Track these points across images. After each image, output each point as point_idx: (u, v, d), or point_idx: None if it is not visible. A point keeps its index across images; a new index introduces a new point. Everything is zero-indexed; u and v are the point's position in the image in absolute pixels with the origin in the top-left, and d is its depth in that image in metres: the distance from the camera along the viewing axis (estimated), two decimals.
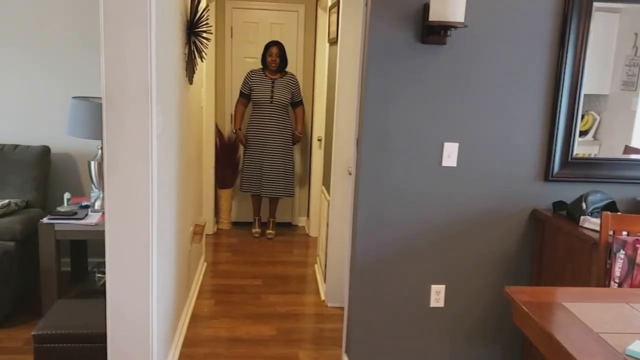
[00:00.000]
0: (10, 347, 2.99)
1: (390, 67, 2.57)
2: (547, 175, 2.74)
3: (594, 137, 2.78)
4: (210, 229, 5.17)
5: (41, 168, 3.73)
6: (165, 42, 2.48)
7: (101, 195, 3.39)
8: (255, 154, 5.00)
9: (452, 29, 2.45)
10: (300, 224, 5.70)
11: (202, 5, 3.49)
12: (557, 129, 2.69)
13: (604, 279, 2.26)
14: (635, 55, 2.70)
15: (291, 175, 5.14)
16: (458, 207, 2.73)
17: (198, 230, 3.68)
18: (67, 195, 3.50)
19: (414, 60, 2.57)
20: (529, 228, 2.79)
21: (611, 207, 2.59)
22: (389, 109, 2.61)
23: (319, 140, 4.94)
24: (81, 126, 3.28)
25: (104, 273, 2.54)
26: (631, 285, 2.18)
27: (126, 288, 2.28)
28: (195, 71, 3.45)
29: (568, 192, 2.74)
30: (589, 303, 1.73)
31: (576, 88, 2.66)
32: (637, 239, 2.20)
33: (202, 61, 3.63)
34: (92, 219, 3.26)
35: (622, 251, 2.21)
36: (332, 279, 3.75)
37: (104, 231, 2.25)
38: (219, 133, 5.33)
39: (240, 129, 5.10)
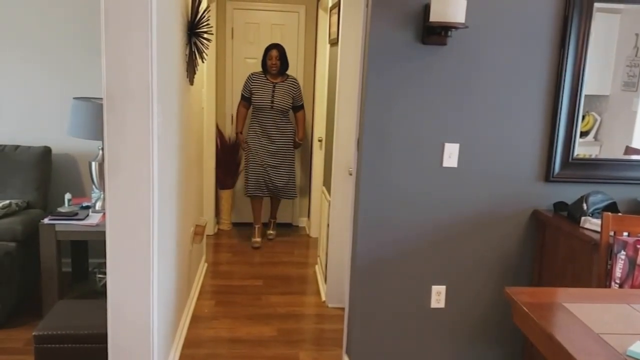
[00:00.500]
0: (11, 348, 2.99)
1: (391, 68, 2.57)
2: (547, 176, 2.74)
3: (595, 137, 2.78)
4: (210, 229, 5.17)
5: (42, 169, 3.73)
6: (166, 43, 2.48)
7: (102, 195, 3.40)
8: (257, 158, 4.91)
9: (453, 29, 2.45)
10: (300, 225, 5.70)
11: (203, 5, 3.50)
12: (558, 129, 2.69)
13: (604, 280, 2.26)
14: (636, 56, 2.70)
15: (293, 178, 5.07)
16: (459, 208, 2.73)
17: (199, 231, 3.68)
18: (68, 196, 3.50)
19: (414, 61, 2.58)
20: (529, 229, 2.79)
21: (612, 207, 2.59)
22: (389, 109, 2.61)
23: (320, 140, 4.94)
24: (82, 127, 3.29)
25: (104, 273, 2.54)
26: (632, 286, 2.18)
27: (127, 288, 2.29)
28: (196, 72, 3.46)
29: (569, 193, 2.74)
30: (590, 304, 1.73)
31: (577, 89, 2.66)
32: (638, 240, 2.20)
33: (202, 62, 3.63)
34: (93, 219, 3.26)
35: (622, 252, 2.21)
36: (332, 279, 3.75)
37: (104, 232, 2.25)
38: (219, 134, 5.33)
39: (241, 132, 5.04)
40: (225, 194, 5.39)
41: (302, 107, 5.04)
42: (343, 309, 3.07)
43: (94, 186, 3.46)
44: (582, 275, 2.42)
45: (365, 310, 2.77)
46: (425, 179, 2.68)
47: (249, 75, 4.91)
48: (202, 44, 3.33)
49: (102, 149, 2.28)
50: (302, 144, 5.19)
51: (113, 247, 2.25)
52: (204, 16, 3.26)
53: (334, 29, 3.97)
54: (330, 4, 4.30)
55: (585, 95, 2.69)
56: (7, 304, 3.21)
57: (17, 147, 3.74)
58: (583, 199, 2.56)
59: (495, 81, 2.64)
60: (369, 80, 2.57)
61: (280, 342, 3.24)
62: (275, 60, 4.76)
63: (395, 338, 2.81)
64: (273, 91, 4.81)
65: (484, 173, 2.71)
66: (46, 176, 3.77)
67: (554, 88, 2.67)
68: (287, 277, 4.32)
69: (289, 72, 4.97)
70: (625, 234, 2.27)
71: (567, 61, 2.63)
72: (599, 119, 2.77)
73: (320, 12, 5.03)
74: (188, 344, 3.15)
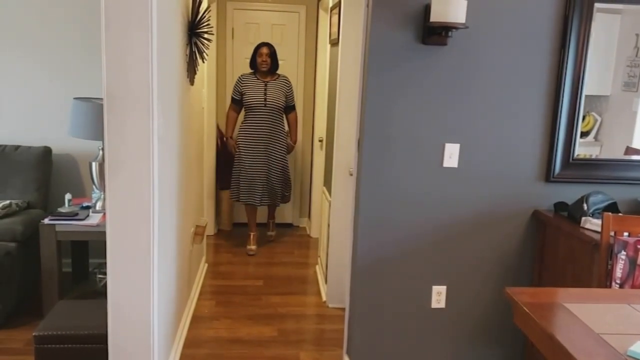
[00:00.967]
0: (11, 348, 2.99)
1: (391, 68, 2.57)
2: (548, 176, 2.74)
3: (595, 138, 2.78)
4: (211, 229, 5.17)
5: (42, 169, 3.73)
6: (166, 43, 2.49)
7: (102, 196, 3.40)
8: (247, 161, 4.68)
9: (453, 29, 2.45)
10: (301, 225, 5.70)
11: (204, 6, 3.50)
12: (558, 129, 2.69)
13: (605, 280, 2.26)
14: (636, 56, 2.70)
15: (288, 181, 4.91)
16: (459, 208, 2.73)
17: (199, 231, 3.68)
18: (68, 196, 3.50)
19: (415, 61, 2.57)
20: (530, 229, 2.79)
21: (612, 208, 2.59)
22: (390, 109, 2.61)
23: (320, 141, 4.93)
24: (82, 127, 3.29)
25: (105, 274, 2.54)
26: (632, 286, 2.18)
27: (127, 289, 2.29)
28: (197, 72, 3.46)
29: (569, 193, 2.74)
30: (590, 304, 1.73)
31: (577, 89, 2.66)
32: (639, 240, 2.20)
33: (203, 62, 3.63)
34: (94, 219, 3.26)
35: (623, 252, 2.20)
36: (333, 279, 3.75)
37: (105, 232, 2.25)
38: (220, 134, 5.33)
39: (231, 137, 4.83)
40: (226, 194, 5.39)
41: (294, 108, 4.84)
42: (343, 309, 3.07)
43: (94, 186, 3.46)
44: (582, 276, 2.42)
45: (365, 310, 2.77)
46: (425, 179, 2.68)
47: (239, 77, 4.74)
48: (203, 44, 3.33)
49: (103, 149, 2.28)
50: (294, 149, 4.98)
51: (113, 247, 2.25)
52: (205, 16, 3.26)
53: (335, 29, 3.97)
54: (330, 4, 4.30)
55: (586, 95, 2.68)
56: (8, 304, 3.21)
57: (17, 147, 3.74)
58: (583, 199, 2.56)
59: (495, 81, 2.64)
60: (369, 80, 2.57)
61: (280, 343, 3.24)
62: (265, 57, 4.59)
63: (396, 338, 2.81)
64: (265, 89, 4.62)
65: (484, 173, 2.71)
66: (46, 176, 3.77)
67: (555, 88, 2.67)
68: (288, 277, 4.32)
69: (288, 72, 4.97)
70: (626, 234, 2.27)
71: (567, 61, 2.63)
72: (599, 119, 2.76)
73: (321, 12, 5.03)
74: (188, 344, 3.15)
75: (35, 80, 3.87)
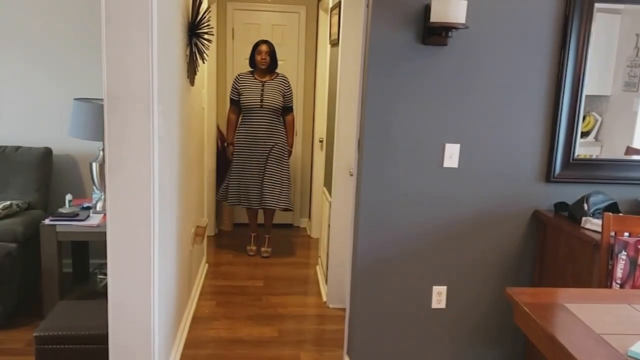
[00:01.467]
0: (12, 349, 2.99)
1: (392, 68, 2.57)
2: (548, 176, 2.74)
3: (596, 138, 2.78)
4: (211, 230, 5.17)
5: (43, 169, 3.73)
6: (166, 44, 2.49)
7: (103, 196, 3.40)
8: (244, 163, 4.55)
9: (454, 30, 2.45)
10: (301, 225, 5.70)
11: (204, 6, 3.50)
12: (559, 130, 2.69)
13: (605, 280, 2.26)
14: (636, 56, 2.70)
15: (287, 184, 4.64)
16: (459, 208, 2.73)
17: (199, 232, 3.68)
18: (68, 197, 3.51)
19: (415, 62, 2.58)
20: (530, 229, 2.79)
21: (613, 208, 2.59)
22: (390, 110, 2.61)
23: (321, 141, 4.93)
24: (83, 128, 3.29)
25: (105, 274, 2.55)
26: (633, 287, 2.18)
27: (128, 289, 2.29)
28: (197, 72, 3.46)
29: (570, 193, 2.73)
30: (591, 304, 1.72)
31: (577, 89, 2.66)
32: (639, 240, 2.19)
33: (203, 62, 3.63)
34: (94, 220, 3.26)
35: (623, 252, 2.20)
36: (333, 280, 3.75)
37: (105, 232, 2.25)
38: (220, 134, 5.33)
39: (232, 143, 4.62)
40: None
41: (291, 109, 4.68)
42: (344, 309, 3.07)
43: (94, 187, 3.47)
44: (582, 276, 2.42)
45: (366, 310, 2.77)
46: (426, 179, 2.68)
47: (236, 77, 4.62)
48: (203, 45, 3.34)
49: (103, 149, 2.28)
50: (291, 152, 4.75)
51: (114, 247, 2.25)
52: (205, 17, 3.26)
53: (335, 29, 3.97)
54: (330, 5, 4.30)
55: (586, 95, 2.68)
56: (8, 304, 3.21)
57: (18, 148, 3.74)
58: (584, 199, 2.56)
59: (496, 81, 2.64)
60: (369, 80, 2.57)
61: (281, 343, 3.24)
62: (265, 55, 4.46)
63: (396, 338, 2.81)
64: (262, 90, 4.49)
65: (484, 173, 2.71)
66: (47, 177, 3.77)
67: (555, 88, 2.67)
68: (288, 277, 4.32)
69: (288, 72, 4.94)
70: (626, 234, 2.27)
71: (567, 61, 2.63)
72: (599, 119, 2.76)
73: (321, 12, 5.03)
74: (189, 344, 3.15)
75: (36, 80, 3.88)
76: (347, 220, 3.33)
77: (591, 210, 2.52)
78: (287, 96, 4.59)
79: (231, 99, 4.63)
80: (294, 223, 5.69)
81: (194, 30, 3.16)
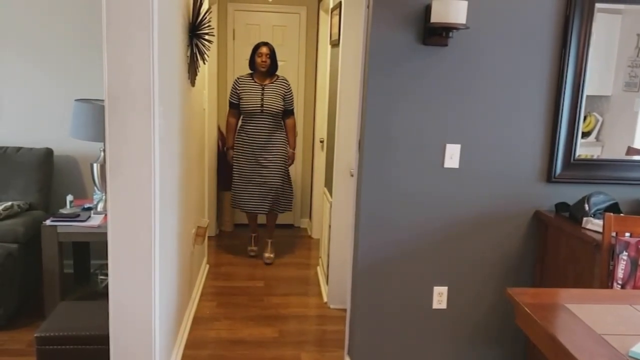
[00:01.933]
0: (13, 349, 2.99)
1: (392, 69, 2.57)
2: (549, 177, 2.74)
3: (597, 138, 2.78)
4: (212, 231, 5.17)
5: (44, 170, 3.74)
6: (167, 45, 2.49)
7: (104, 197, 3.40)
8: (243, 170, 4.48)
9: (454, 30, 2.45)
10: (302, 226, 5.70)
11: (204, 7, 3.50)
12: (560, 130, 2.69)
13: (606, 281, 2.26)
14: (637, 56, 2.70)
15: (289, 189, 4.60)
16: (460, 209, 2.72)
17: (200, 232, 3.68)
18: (69, 198, 3.51)
19: (415, 62, 2.58)
20: (531, 229, 2.78)
21: (614, 208, 2.59)
22: (390, 110, 2.61)
23: (321, 142, 4.93)
24: (84, 128, 3.29)
25: (106, 275, 2.54)
26: (634, 287, 2.17)
27: (129, 290, 2.29)
28: (198, 73, 3.46)
29: (570, 194, 2.73)
30: (592, 304, 1.72)
31: (578, 89, 2.66)
32: None
33: (204, 63, 3.63)
34: (95, 221, 3.26)
35: (624, 252, 2.20)
36: (334, 280, 3.75)
37: (106, 233, 2.25)
38: (221, 135, 5.33)
39: (232, 147, 4.54)
40: (227, 195, 5.38)
41: (292, 113, 4.54)
42: (345, 310, 3.07)
43: (95, 187, 3.47)
44: (583, 276, 2.42)
45: (367, 311, 2.77)
46: (426, 179, 2.68)
47: (235, 80, 4.51)
48: (204, 46, 3.34)
49: (104, 150, 2.29)
50: (294, 159, 4.64)
51: (115, 248, 2.25)
52: (205, 18, 3.26)
53: (335, 30, 3.97)
54: (331, 5, 4.31)
55: (587, 95, 2.68)
56: (9, 305, 3.21)
57: (19, 148, 3.75)
58: (585, 199, 2.56)
59: (496, 82, 2.64)
60: (370, 81, 2.58)
61: (281, 344, 3.24)
62: (265, 57, 4.35)
63: (397, 339, 2.81)
64: (262, 93, 4.37)
65: (485, 174, 2.71)
66: (48, 178, 3.78)
67: (556, 89, 2.67)
68: (289, 278, 4.32)
69: (289, 73, 4.92)
70: (628, 234, 2.26)
71: (568, 62, 2.63)
72: (600, 119, 2.76)
73: (321, 13, 5.03)
74: (190, 345, 3.15)
75: (37, 81, 3.88)
76: (347, 221, 3.33)
77: (592, 211, 2.52)
78: (287, 99, 4.47)
79: (230, 103, 4.53)
80: (295, 223, 5.69)
81: (194, 31, 3.17)
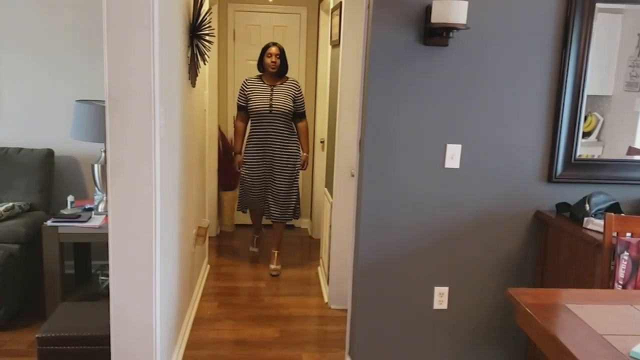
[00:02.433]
0: (14, 350, 2.99)
1: (393, 69, 2.57)
2: (550, 177, 2.73)
3: (598, 138, 2.78)
4: (213, 231, 5.17)
5: (45, 171, 3.74)
6: (167, 46, 2.49)
7: (105, 197, 3.40)
8: (250, 173, 4.32)
9: (455, 30, 2.45)
10: (303, 226, 5.70)
11: (205, 8, 3.50)
12: (560, 130, 2.68)
13: (607, 281, 2.26)
14: (638, 56, 2.70)
15: (295, 197, 4.42)
16: (461, 209, 2.72)
17: (201, 233, 3.68)
18: (70, 198, 3.51)
19: (416, 62, 2.57)
20: (532, 229, 2.78)
21: (615, 208, 2.58)
22: (391, 110, 2.61)
23: (322, 142, 4.94)
24: (84, 129, 3.29)
25: (107, 275, 2.55)
26: (635, 287, 2.17)
27: (129, 290, 2.29)
28: (198, 74, 3.46)
29: (571, 194, 2.73)
30: (593, 305, 1.72)
31: (579, 89, 2.66)
32: None
33: (204, 64, 3.63)
34: (96, 221, 3.26)
35: (626, 252, 2.20)
36: (335, 280, 3.75)
37: (107, 234, 2.25)
38: (221, 136, 5.33)
39: (240, 152, 4.35)
40: (228, 196, 5.39)
41: (304, 115, 4.34)
42: (345, 310, 3.07)
43: (96, 188, 3.47)
44: (584, 276, 2.42)
45: (367, 311, 2.77)
46: (427, 179, 2.68)
47: (243, 82, 4.33)
48: (204, 46, 3.34)
49: (105, 151, 2.29)
50: (307, 163, 4.45)
51: (115, 249, 2.25)
52: (206, 18, 3.26)
53: (336, 30, 3.97)
54: (331, 6, 4.31)
55: (588, 95, 2.68)
56: (10, 306, 3.21)
57: (20, 149, 3.75)
58: (586, 199, 2.56)
59: (497, 82, 2.64)
60: (370, 81, 2.58)
61: (282, 344, 3.24)
62: (275, 58, 4.18)
63: (398, 339, 2.81)
64: (271, 94, 4.20)
65: (486, 174, 2.71)
66: (49, 178, 3.78)
67: (556, 89, 2.67)
68: (290, 278, 4.32)
69: (289, 74, 4.86)
70: (629, 234, 2.26)
71: (569, 62, 2.63)
72: (601, 119, 2.76)
73: (322, 13, 5.04)
74: (190, 345, 3.15)
75: (37, 82, 3.88)
76: (348, 221, 3.33)
77: (593, 211, 2.52)
78: (298, 101, 4.27)
79: (238, 105, 4.33)
80: (295, 224, 5.69)
81: (195, 31, 3.17)
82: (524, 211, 2.76)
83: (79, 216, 3.30)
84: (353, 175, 2.90)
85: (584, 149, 2.75)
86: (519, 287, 1.94)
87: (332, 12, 4.29)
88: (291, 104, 4.23)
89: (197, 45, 3.24)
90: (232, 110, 5.39)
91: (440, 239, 2.74)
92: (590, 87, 2.67)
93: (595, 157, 2.79)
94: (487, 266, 2.79)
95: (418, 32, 2.54)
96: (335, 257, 3.74)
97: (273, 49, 4.22)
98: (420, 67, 2.58)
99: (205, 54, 3.42)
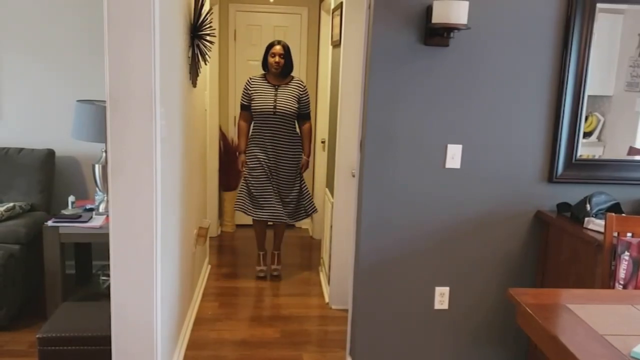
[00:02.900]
0: (15, 350, 3.00)
1: (393, 69, 2.57)
2: (551, 177, 2.73)
3: (598, 138, 2.78)
4: (214, 231, 5.17)
5: (46, 171, 3.74)
6: (168, 46, 2.49)
7: (105, 198, 3.40)
8: (254, 175, 4.12)
9: (455, 30, 2.45)
10: (303, 227, 5.70)
11: (206, 8, 3.51)
12: (561, 130, 2.68)
13: (608, 281, 2.26)
14: (639, 56, 2.69)
15: (307, 196, 4.29)
16: (462, 209, 2.72)
17: (202, 233, 3.69)
18: (71, 198, 3.51)
19: (416, 63, 2.57)
20: (533, 229, 2.78)
21: (616, 208, 2.58)
22: (392, 111, 2.61)
23: (323, 142, 4.94)
24: (85, 129, 3.30)
25: (108, 275, 2.55)
26: (636, 287, 2.17)
27: (130, 290, 2.29)
28: (199, 74, 3.46)
29: (572, 194, 2.73)
30: (594, 305, 1.72)
31: (580, 89, 2.66)
32: None
33: (205, 64, 3.64)
34: (97, 221, 3.27)
35: (626, 253, 2.20)
36: (336, 281, 3.75)
37: (108, 234, 2.25)
38: (222, 136, 5.33)
39: (244, 151, 4.20)
40: (228, 196, 5.40)
41: (308, 116, 4.21)
42: (346, 310, 3.07)
43: (97, 188, 3.47)
44: (585, 276, 2.41)
45: (368, 311, 2.77)
46: (428, 180, 2.68)
47: (248, 80, 4.19)
48: (205, 46, 3.34)
49: (106, 151, 2.29)
50: (307, 166, 4.31)
51: (116, 249, 2.25)
52: (207, 18, 3.26)
53: (337, 30, 3.97)
54: (332, 6, 4.31)
55: (589, 95, 2.68)
56: (11, 306, 3.21)
57: (20, 149, 3.75)
58: (586, 199, 2.56)
59: (497, 82, 2.64)
60: (371, 81, 2.58)
61: (283, 344, 3.24)
62: (278, 58, 4.06)
63: (399, 339, 2.81)
64: (275, 94, 4.07)
65: (486, 174, 2.71)
66: (50, 179, 3.78)
67: (557, 89, 2.67)
68: (290, 278, 4.32)
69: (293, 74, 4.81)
70: (629, 234, 2.26)
71: (569, 62, 2.63)
72: (602, 119, 2.76)
73: (323, 13, 5.04)
74: (191, 345, 3.15)
75: (38, 82, 3.89)
76: (349, 221, 3.33)
77: (594, 211, 2.51)
78: (303, 102, 4.13)
79: (242, 105, 4.20)
80: (296, 224, 5.69)
81: (196, 31, 3.17)
82: (525, 211, 2.76)
83: (80, 216, 3.30)
84: (354, 176, 2.90)
85: (585, 149, 2.75)
86: (520, 287, 1.94)
87: (333, 12, 4.29)
88: (296, 105, 4.11)
89: (198, 46, 3.24)
90: (233, 110, 5.40)
91: (441, 239, 2.74)
92: (591, 87, 2.67)
93: (596, 157, 2.78)
94: (488, 266, 2.79)
95: (419, 32, 2.54)
96: (336, 257, 3.74)
97: (277, 48, 4.09)
98: (421, 67, 2.58)
99: (206, 54, 3.42)
